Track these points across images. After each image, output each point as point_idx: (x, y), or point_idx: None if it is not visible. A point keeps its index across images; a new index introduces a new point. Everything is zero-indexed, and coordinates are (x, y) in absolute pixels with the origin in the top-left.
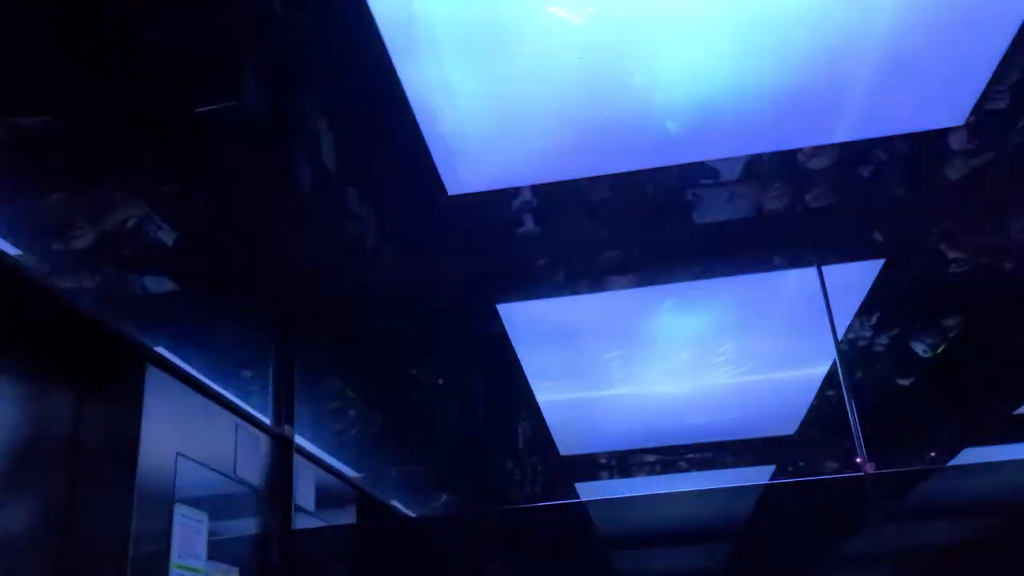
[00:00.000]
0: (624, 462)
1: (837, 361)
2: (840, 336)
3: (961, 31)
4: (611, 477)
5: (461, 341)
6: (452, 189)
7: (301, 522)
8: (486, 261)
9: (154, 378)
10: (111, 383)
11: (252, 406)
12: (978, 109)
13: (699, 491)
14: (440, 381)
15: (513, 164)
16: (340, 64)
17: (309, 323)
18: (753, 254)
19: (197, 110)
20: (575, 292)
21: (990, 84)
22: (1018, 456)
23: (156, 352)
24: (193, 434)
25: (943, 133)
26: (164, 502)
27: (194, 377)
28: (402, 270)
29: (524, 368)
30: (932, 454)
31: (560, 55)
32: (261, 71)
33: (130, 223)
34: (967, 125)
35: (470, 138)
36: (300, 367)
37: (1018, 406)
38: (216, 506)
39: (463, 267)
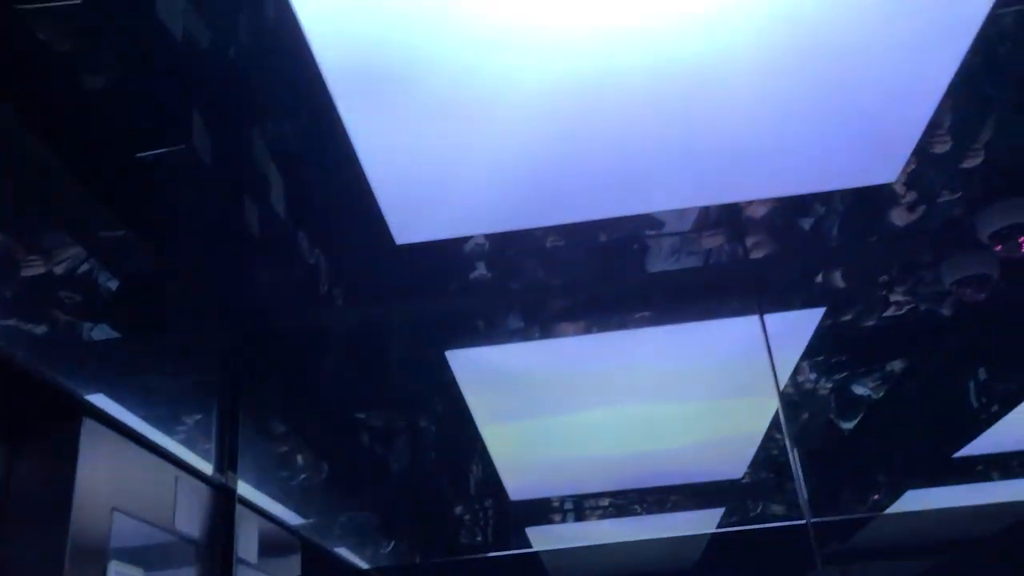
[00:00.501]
0: (575, 506)
1: (779, 407)
2: (783, 382)
3: (897, 87)
4: (563, 521)
5: (409, 387)
6: (400, 238)
7: (243, 575)
8: (435, 309)
9: (90, 430)
10: (44, 436)
11: (195, 454)
12: (913, 162)
13: (647, 540)
14: (388, 427)
15: (463, 213)
16: (286, 110)
17: (254, 369)
18: (700, 302)
19: (140, 155)
20: (525, 339)
21: (924, 137)
22: (959, 499)
23: (92, 403)
24: (130, 487)
25: (880, 188)
26: (98, 559)
27: (132, 428)
28: (350, 317)
29: (473, 414)
30: (875, 497)
31: (513, 106)
32: (207, 116)
33: (68, 268)
34: (903, 177)
35: (419, 187)
36: (245, 414)
37: (959, 449)
38: (154, 561)
39: (412, 314)
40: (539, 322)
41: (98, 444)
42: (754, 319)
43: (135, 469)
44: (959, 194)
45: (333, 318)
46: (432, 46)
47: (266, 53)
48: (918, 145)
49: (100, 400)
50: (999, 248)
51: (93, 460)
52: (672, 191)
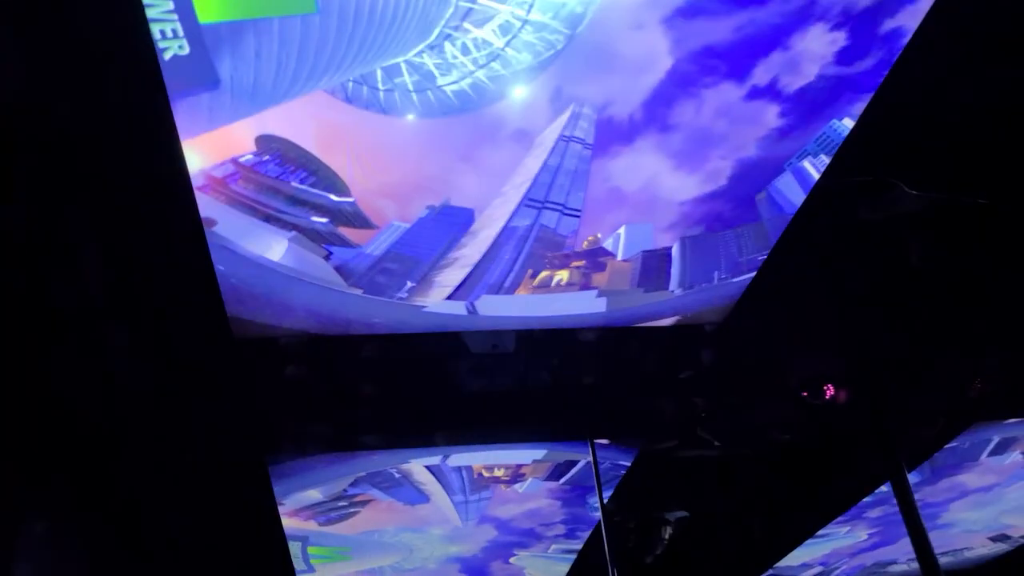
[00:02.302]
0: None
1: (603, 528)
2: (605, 504)
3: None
4: None
5: (221, 490)
6: (237, 331)
7: None
8: (253, 411)
9: None
10: None
11: None
12: (739, 305)
13: None
14: (197, 531)
15: (294, 314)
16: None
17: (49, 465)
18: (521, 425)
19: None
20: (341, 449)
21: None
22: None
23: None
24: None
25: (703, 328)
26: None
27: None
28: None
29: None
30: None
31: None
32: (30, 186)
33: None
34: (728, 320)
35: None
36: (37, 513)
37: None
38: None
39: (230, 415)
40: (352, 433)
41: None
42: (581, 444)
43: None
44: (777, 338)
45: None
46: None
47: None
48: (746, 291)
49: None
50: (806, 395)
51: None
52: (497, 312)
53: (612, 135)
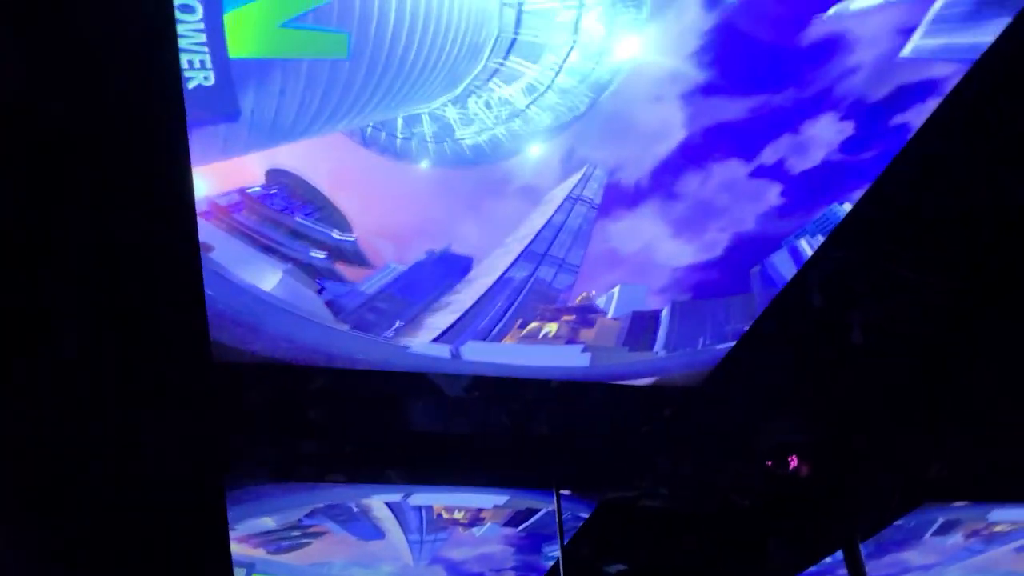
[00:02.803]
0: None
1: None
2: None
3: None
4: None
5: (173, 510)
6: (218, 356)
7: None
8: (219, 435)
9: None
10: None
11: None
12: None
13: None
14: (143, 548)
15: (278, 345)
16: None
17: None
18: (488, 469)
19: None
20: (305, 479)
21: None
22: None
23: None
24: None
25: (681, 389)
26: None
27: None
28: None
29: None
30: None
31: None
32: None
33: None
34: (704, 384)
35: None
36: None
37: None
38: None
39: (195, 436)
40: (309, 465)
41: None
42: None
43: None
44: (748, 406)
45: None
46: None
47: None
48: (724, 358)
49: None
50: (770, 464)
51: None
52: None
53: (617, 199)
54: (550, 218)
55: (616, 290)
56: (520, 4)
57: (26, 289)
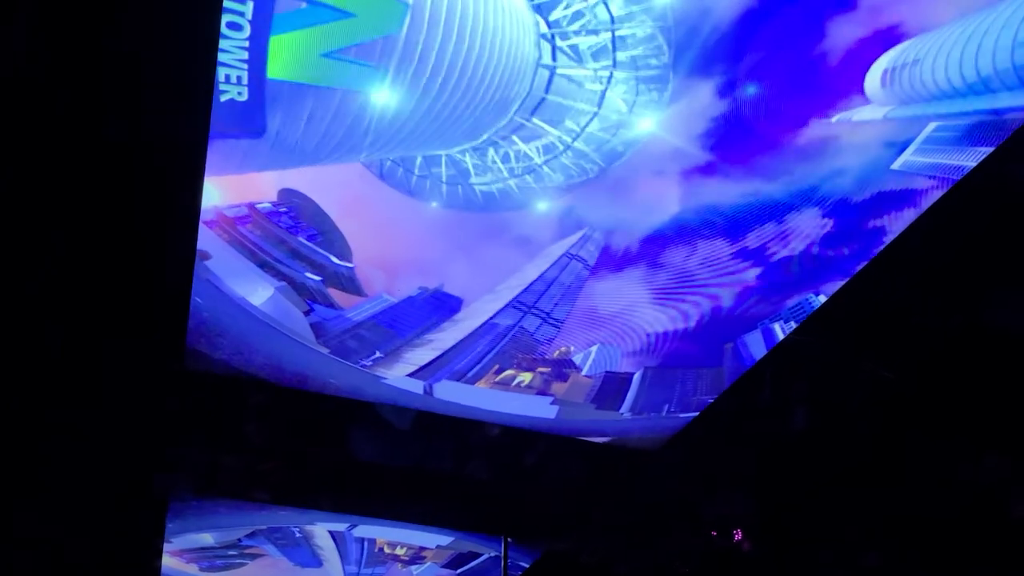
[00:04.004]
0: None
1: None
2: None
3: None
4: None
5: (110, 516)
6: (191, 364)
7: None
8: (172, 444)
9: None
10: None
11: None
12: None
13: None
14: (72, 551)
15: (253, 359)
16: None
17: None
18: (439, 509)
19: None
20: (241, 496)
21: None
22: None
23: None
24: None
25: (634, 452)
26: None
27: None
28: None
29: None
30: None
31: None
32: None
33: None
34: (663, 448)
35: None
36: None
37: None
38: None
39: (148, 444)
40: (251, 485)
41: None
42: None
43: None
44: (702, 477)
45: None
46: None
47: None
48: (685, 428)
49: None
50: (715, 534)
51: None
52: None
53: (605, 261)
54: (544, 272)
55: (594, 349)
56: (554, 67)
57: (13, 275)
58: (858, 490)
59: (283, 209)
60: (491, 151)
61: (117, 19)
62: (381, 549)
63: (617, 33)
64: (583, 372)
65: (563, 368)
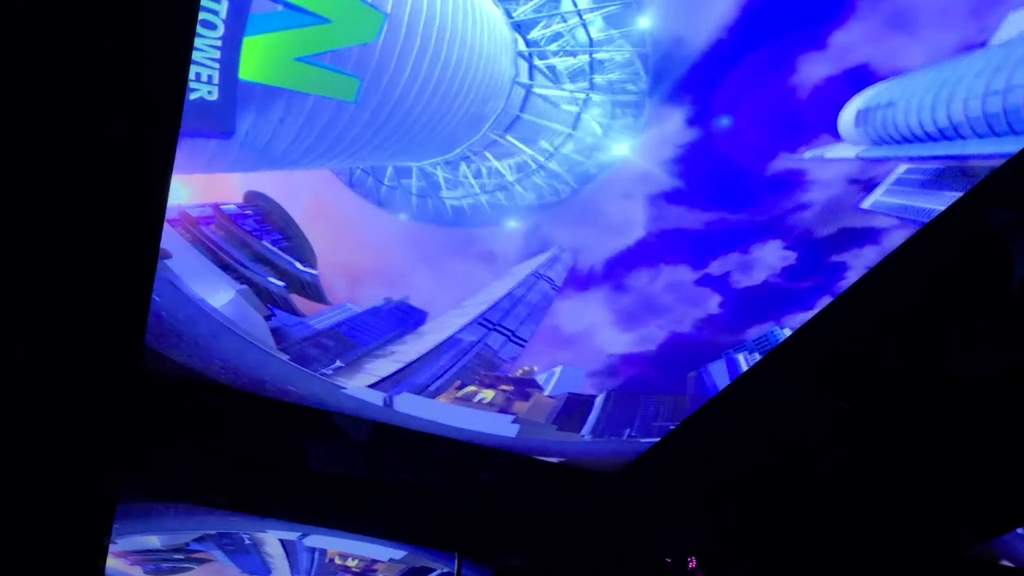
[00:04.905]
0: None
1: None
2: None
3: None
4: None
5: (57, 515)
6: (150, 363)
7: None
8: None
9: None
10: None
11: None
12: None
13: None
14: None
15: (212, 362)
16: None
17: None
18: (395, 522)
19: None
20: (191, 500)
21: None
22: None
23: None
24: None
25: (583, 471)
26: None
27: None
28: None
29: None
30: None
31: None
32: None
33: None
34: (620, 476)
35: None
36: None
37: None
38: None
39: (98, 443)
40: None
41: None
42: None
43: None
44: (655, 502)
45: None
46: None
47: None
48: (644, 454)
49: None
50: (669, 560)
51: None
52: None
53: (571, 281)
54: (511, 290)
55: (558, 370)
56: (530, 86)
57: None
58: (815, 524)
59: (248, 211)
60: (463, 166)
61: (91, 10)
62: (332, 560)
63: (595, 56)
64: (546, 392)
65: (526, 387)
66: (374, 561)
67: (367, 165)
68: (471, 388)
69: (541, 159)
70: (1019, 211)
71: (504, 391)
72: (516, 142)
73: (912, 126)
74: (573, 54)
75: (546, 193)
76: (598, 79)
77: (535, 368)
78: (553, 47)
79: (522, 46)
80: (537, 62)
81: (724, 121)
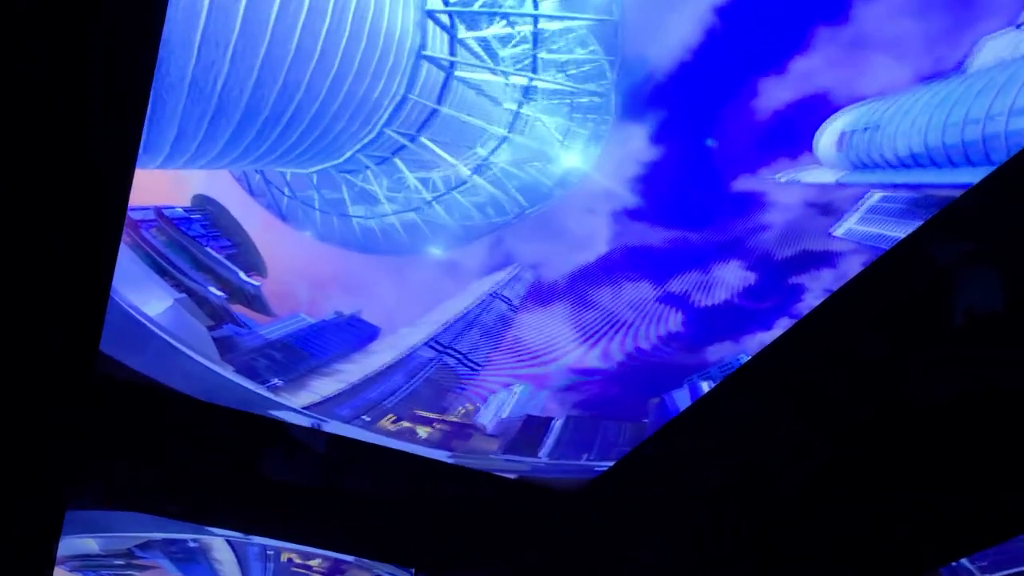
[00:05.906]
0: None
1: None
2: None
3: None
4: None
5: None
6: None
7: None
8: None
9: None
10: None
11: None
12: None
13: None
14: None
15: (168, 371)
16: None
17: None
18: (354, 533)
19: None
20: (138, 507)
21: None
22: None
23: None
24: None
25: (538, 489)
26: None
27: None
28: None
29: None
30: None
31: None
32: None
33: None
34: (587, 492)
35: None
36: None
37: None
38: None
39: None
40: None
41: None
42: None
43: None
44: (610, 525)
45: None
46: None
47: None
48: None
49: None
50: None
51: None
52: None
53: (532, 295)
54: (467, 310)
55: (518, 389)
56: (451, 66)
57: None
58: (777, 542)
59: (195, 215)
60: (369, 175)
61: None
62: (291, 560)
63: (544, 34)
64: (488, 430)
65: (465, 429)
66: (340, 561)
67: (261, 167)
68: (406, 424)
69: (467, 173)
70: (964, 244)
71: (440, 430)
72: (432, 144)
73: (899, 151)
74: (510, 21)
75: (478, 215)
76: (544, 56)
77: (476, 407)
78: (477, 5)
79: (437, 2)
80: (462, 33)
81: (687, 140)
